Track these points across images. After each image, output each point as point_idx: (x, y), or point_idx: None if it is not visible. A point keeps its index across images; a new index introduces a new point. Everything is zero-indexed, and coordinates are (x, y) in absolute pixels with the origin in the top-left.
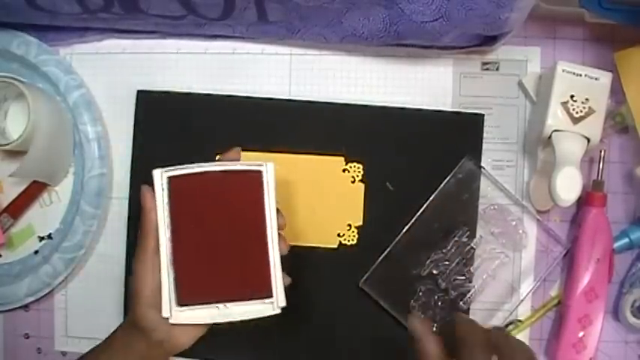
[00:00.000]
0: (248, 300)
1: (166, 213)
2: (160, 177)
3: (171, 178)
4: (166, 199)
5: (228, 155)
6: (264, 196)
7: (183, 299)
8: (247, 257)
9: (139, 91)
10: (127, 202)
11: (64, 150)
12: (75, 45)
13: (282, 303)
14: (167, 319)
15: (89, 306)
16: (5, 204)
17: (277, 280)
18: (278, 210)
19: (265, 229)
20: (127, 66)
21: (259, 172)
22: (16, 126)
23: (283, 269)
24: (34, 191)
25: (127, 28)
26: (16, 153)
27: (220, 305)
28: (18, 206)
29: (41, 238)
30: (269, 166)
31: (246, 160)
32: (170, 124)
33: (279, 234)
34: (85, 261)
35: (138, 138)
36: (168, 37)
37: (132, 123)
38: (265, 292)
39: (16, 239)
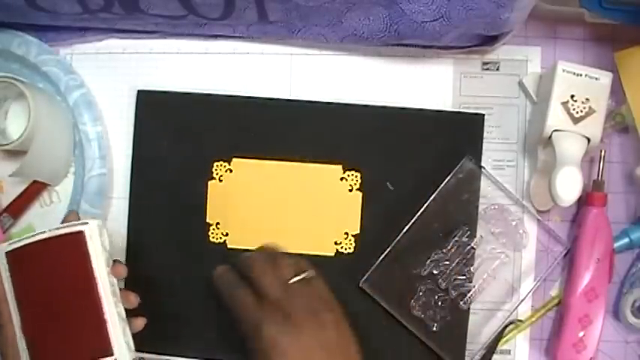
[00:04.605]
0: None
1: (10, 286)
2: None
3: (8, 253)
4: (8, 273)
5: (65, 219)
6: (90, 255)
7: None
8: (85, 319)
9: (139, 91)
10: (127, 202)
11: (64, 150)
12: (75, 45)
13: (126, 358)
14: None
15: None
16: (5, 204)
17: (117, 337)
18: (117, 261)
19: (97, 287)
20: (127, 66)
21: (82, 232)
22: (16, 126)
23: (137, 315)
24: (34, 191)
25: (128, 28)
26: (16, 153)
27: None
28: (18, 206)
29: None
30: (92, 224)
31: (235, 163)
32: (170, 124)
33: (122, 288)
34: None
35: (138, 138)
36: (168, 37)
37: (132, 123)
38: (106, 351)
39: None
